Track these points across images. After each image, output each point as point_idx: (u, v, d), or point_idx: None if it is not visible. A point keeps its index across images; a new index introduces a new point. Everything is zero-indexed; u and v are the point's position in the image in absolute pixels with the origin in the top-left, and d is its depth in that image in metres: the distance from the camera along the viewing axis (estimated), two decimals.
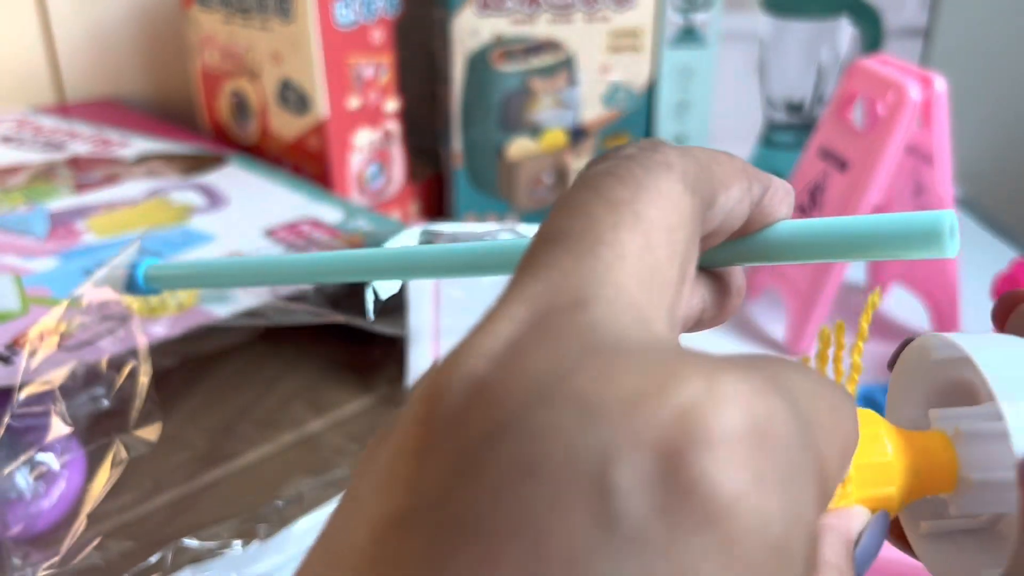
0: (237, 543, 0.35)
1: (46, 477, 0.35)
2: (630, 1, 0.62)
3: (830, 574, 0.17)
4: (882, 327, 0.57)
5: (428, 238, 0.40)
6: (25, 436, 0.34)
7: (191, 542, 0.35)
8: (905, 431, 0.19)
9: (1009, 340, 0.18)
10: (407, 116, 0.65)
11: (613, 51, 0.63)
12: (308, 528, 0.37)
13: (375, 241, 0.44)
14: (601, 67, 0.64)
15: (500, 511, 0.12)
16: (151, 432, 0.37)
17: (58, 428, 0.35)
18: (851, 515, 0.18)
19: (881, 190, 0.49)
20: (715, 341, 0.55)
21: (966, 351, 0.18)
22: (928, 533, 0.19)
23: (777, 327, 0.55)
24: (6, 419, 0.32)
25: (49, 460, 0.35)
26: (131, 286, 0.33)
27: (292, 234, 0.47)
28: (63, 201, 0.52)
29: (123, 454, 0.35)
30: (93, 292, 0.35)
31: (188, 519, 0.38)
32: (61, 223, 0.49)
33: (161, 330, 0.38)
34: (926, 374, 0.20)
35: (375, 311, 0.36)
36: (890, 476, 0.18)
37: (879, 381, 0.49)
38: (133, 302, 0.37)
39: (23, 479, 0.34)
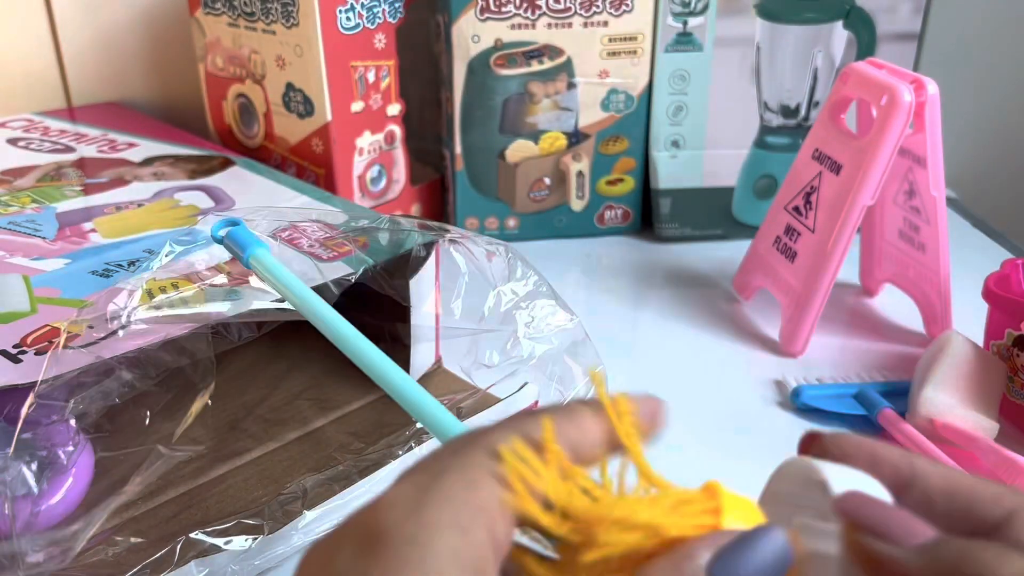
0: (243, 538, 0.36)
1: (54, 473, 0.36)
2: (628, 6, 0.63)
3: None
4: (877, 328, 0.57)
5: None
6: (34, 433, 0.34)
7: (198, 536, 0.36)
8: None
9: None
10: (409, 119, 0.66)
11: (611, 55, 0.64)
12: (313, 522, 0.38)
13: (376, 241, 0.45)
14: (599, 71, 0.64)
15: None
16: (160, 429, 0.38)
17: (67, 425, 0.35)
18: (693, 543, 0.19)
19: (875, 192, 0.50)
20: (715, 341, 0.56)
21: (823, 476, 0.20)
22: None
23: (772, 327, 0.56)
24: (23, 416, 0.33)
25: (57, 456, 0.35)
26: (233, 251, 0.39)
27: (295, 235, 0.48)
28: (71, 202, 0.52)
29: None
30: (206, 255, 0.40)
31: (195, 514, 0.39)
32: (69, 224, 0.49)
33: (169, 329, 0.39)
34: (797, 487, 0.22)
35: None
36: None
37: (875, 380, 0.50)
38: (142, 302, 0.38)
39: (32, 475, 0.34)
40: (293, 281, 0.36)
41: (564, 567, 0.19)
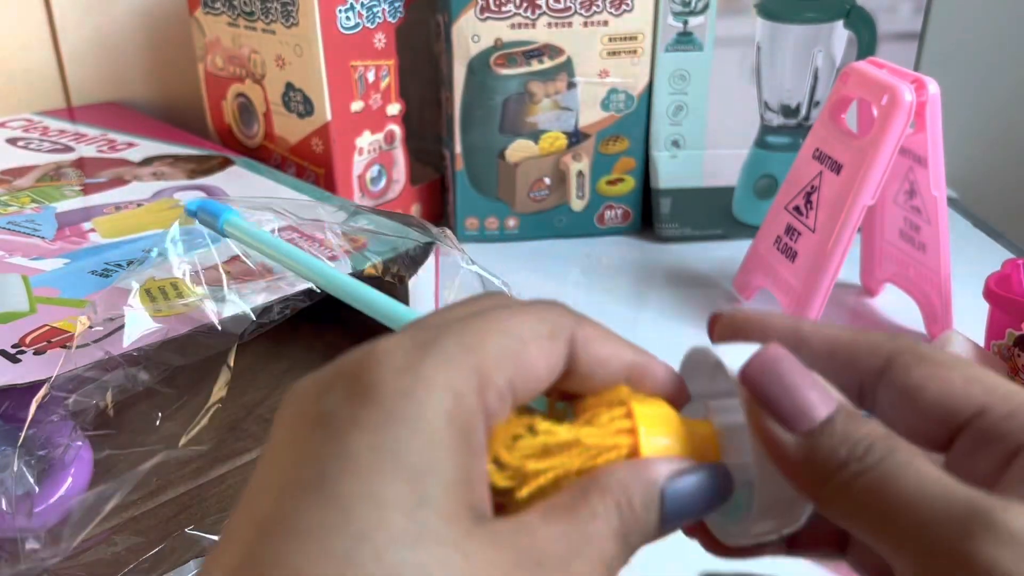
0: None
1: (54, 471, 0.36)
2: (628, 6, 0.63)
3: (627, 514, 0.19)
4: (877, 328, 0.57)
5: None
6: (34, 431, 0.34)
7: (198, 536, 0.36)
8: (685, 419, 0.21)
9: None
10: (409, 119, 0.66)
11: (611, 55, 0.64)
12: None
13: (376, 242, 0.45)
14: (599, 71, 0.64)
15: None
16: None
17: (66, 424, 0.35)
18: (654, 463, 0.20)
19: (875, 192, 0.50)
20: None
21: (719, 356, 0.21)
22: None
23: None
24: (31, 413, 0.33)
25: (57, 455, 0.35)
26: (209, 224, 0.41)
27: (295, 235, 0.48)
28: (70, 202, 0.52)
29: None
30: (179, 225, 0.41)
31: (195, 514, 0.39)
32: (68, 224, 0.49)
33: (167, 329, 0.39)
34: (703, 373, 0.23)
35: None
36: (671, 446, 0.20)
37: None
38: (143, 302, 0.38)
39: (31, 473, 0.34)
40: (268, 238, 0.38)
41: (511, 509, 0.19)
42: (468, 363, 0.18)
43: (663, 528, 0.19)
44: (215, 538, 0.36)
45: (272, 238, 0.38)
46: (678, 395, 0.22)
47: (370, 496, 0.16)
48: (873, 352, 0.21)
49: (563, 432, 0.20)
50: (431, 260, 0.45)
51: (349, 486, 0.16)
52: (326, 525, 0.16)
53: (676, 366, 0.22)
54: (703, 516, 0.20)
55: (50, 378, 0.34)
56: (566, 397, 0.21)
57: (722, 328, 0.23)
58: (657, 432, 0.20)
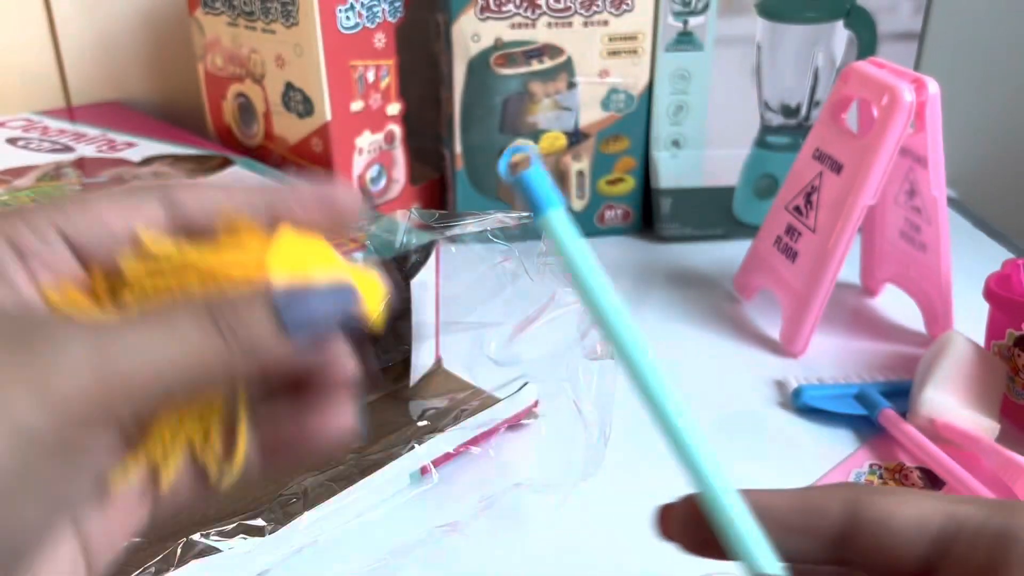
0: (243, 538, 0.36)
1: None
2: (628, 5, 0.63)
3: (228, 316, 0.18)
4: (878, 328, 0.57)
5: None
6: None
7: (198, 538, 0.36)
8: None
9: None
10: (409, 119, 0.66)
11: (611, 55, 0.64)
12: (312, 523, 0.38)
13: (377, 241, 0.45)
14: (600, 70, 0.64)
15: None
16: None
17: None
18: (269, 276, 0.19)
19: (875, 192, 0.50)
20: (716, 341, 0.56)
21: None
22: None
23: (772, 328, 0.56)
24: None
25: None
26: (528, 206, 0.26)
27: None
28: None
29: None
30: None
31: (195, 515, 0.39)
32: None
33: None
34: None
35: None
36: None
37: (876, 380, 0.50)
38: None
39: None
40: (585, 262, 0.25)
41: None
42: None
43: (289, 338, 0.18)
44: (216, 539, 0.36)
45: (589, 263, 0.24)
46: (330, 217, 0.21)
47: None
48: (833, 498, 0.21)
49: (187, 254, 0.19)
50: (431, 260, 0.45)
51: None
52: None
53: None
54: (330, 328, 0.19)
55: None
56: None
57: (674, 522, 0.23)
58: (289, 258, 0.19)
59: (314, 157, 0.62)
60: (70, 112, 0.71)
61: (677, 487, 0.23)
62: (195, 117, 0.72)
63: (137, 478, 0.21)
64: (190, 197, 0.20)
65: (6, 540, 0.16)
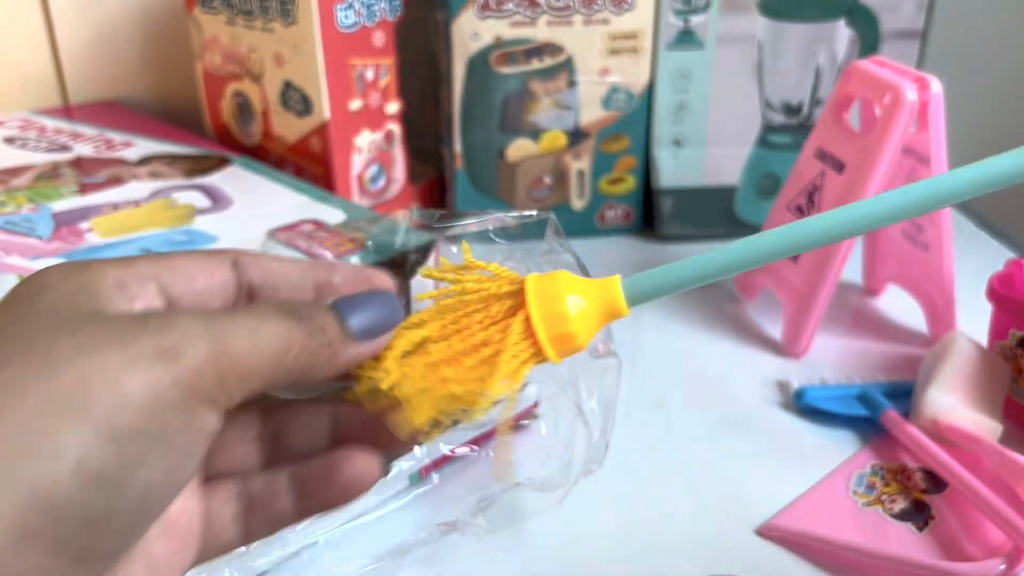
0: None
1: None
2: (628, 4, 0.62)
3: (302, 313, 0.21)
4: (880, 328, 0.57)
5: None
6: None
7: None
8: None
9: None
10: (408, 118, 0.66)
11: (612, 53, 0.64)
12: (312, 523, 0.37)
13: (377, 241, 0.45)
14: (600, 69, 0.64)
15: None
16: None
17: None
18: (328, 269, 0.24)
19: (878, 191, 0.49)
20: (717, 341, 0.55)
21: None
22: None
23: (774, 328, 0.56)
24: None
25: None
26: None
27: (294, 235, 0.48)
28: (67, 202, 0.52)
29: None
30: None
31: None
32: (65, 224, 0.49)
33: None
34: None
35: None
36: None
37: (878, 381, 0.50)
38: None
39: None
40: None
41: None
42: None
43: (352, 333, 0.22)
44: None
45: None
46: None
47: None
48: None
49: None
50: (431, 260, 0.44)
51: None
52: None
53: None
54: (383, 324, 0.23)
55: None
56: None
57: None
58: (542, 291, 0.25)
59: (313, 156, 0.62)
60: (67, 111, 0.71)
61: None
62: (193, 116, 0.72)
63: (195, 514, 0.23)
64: (252, 263, 0.23)
65: (137, 497, 0.18)
